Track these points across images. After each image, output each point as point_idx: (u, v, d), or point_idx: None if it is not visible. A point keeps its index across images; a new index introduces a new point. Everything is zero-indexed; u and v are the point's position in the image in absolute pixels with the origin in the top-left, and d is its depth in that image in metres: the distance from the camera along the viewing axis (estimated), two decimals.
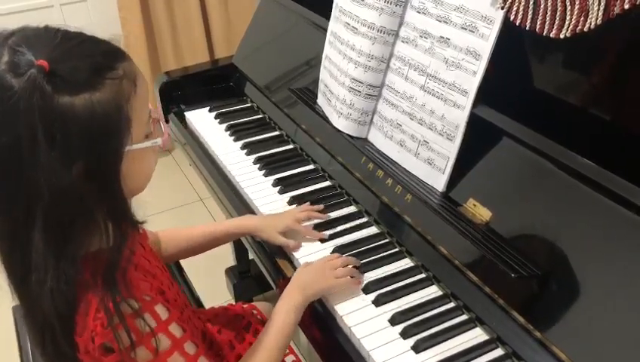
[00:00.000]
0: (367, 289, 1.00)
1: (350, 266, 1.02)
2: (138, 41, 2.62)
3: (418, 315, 0.95)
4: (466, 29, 0.99)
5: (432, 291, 1.00)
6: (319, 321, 0.98)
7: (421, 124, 1.08)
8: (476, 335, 0.91)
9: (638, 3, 0.74)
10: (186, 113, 1.60)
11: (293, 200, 1.23)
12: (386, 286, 1.00)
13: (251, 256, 1.64)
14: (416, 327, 0.92)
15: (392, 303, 0.97)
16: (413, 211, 1.05)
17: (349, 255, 1.07)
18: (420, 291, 1.00)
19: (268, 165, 1.35)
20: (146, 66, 2.67)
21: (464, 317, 0.94)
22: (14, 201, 0.68)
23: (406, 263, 1.06)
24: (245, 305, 1.26)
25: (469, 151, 1.01)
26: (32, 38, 0.67)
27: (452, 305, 0.97)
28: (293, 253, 1.10)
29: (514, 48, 1.00)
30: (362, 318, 0.95)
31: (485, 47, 0.96)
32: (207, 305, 1.29)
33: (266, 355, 0.89)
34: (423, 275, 1.02)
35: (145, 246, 0.86)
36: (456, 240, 0.95)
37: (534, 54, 1.03)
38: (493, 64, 0.96)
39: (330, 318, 0.98)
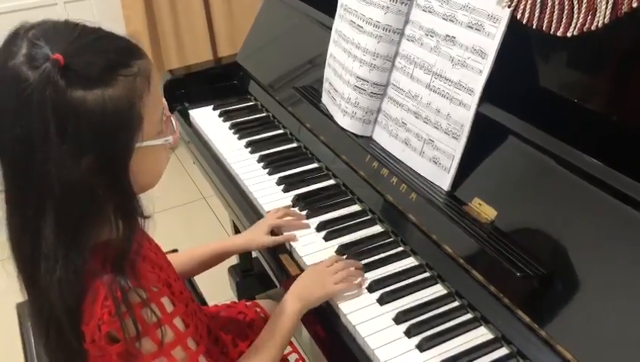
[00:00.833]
0: (371, 288, 1.00)
1: (351, 268, 1.01)
2: (141, 39, 2.59)
3: (422, 314, 0.95)
4: (472, 28, 0.98)
5: (437, 290, 0.99)
6: (323, 319, 0.98)
7: (426, 123, 1.08)
8: (481, 334, 0.91)
9: None
10: (190, 111, 1.60)
11: (297, 199, 1.23)
12: (391, 285, 1.00)
13: (254, 254, 1.65)
14: (421, 326, 0.92)
15: (396, 302, 0.97)
16: (418, 210, 1.05)
17: (354, 254, 1.07)
18: (425, 290, 0.99)
19: (272, 163, 1.35)
20: None
21: (469, 316, 0.94)
22: (25, 193, 0.69)
23: (410, 262, 1.05)
24: (248, 303, 1.26)
25: (475, 150, 1.01)
26: (50, 31, 0.68)
27: (457, 303, 0.96)
28: (293, 246, 1.10)
29: (520, 47, 1.00)
30: (366, 317, 0.95)
31: (491, 45, 0.95)
32: (210, 303, 1.29)
33: (261, 359, 0.90)
34: (427, 274, 1.02)
35: (151, 241, 0.87)
36: (461, 239, 0.95)
37: (541, 53, 1.03)
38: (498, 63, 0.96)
39: (334, 316, 0.97)
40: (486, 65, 0.97)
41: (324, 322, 0.97)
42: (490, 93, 0.98)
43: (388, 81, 1.17)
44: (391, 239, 1.11)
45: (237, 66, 1.69)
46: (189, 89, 1.66)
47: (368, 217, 1.17)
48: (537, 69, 1.04)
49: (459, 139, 1.02)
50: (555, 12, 0.84)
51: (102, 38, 0.71)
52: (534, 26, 0.88)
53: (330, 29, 1.31)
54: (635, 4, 0.74)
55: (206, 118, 1.57)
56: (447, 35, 1.03)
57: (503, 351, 0.88)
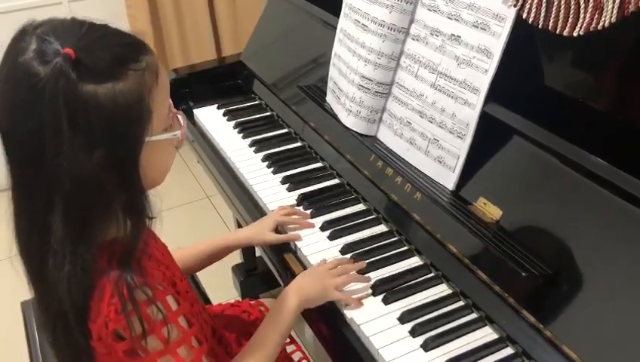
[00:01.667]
0: (376, 288, 1.00)
1: (352, 273, 1.00)
2: (145, 38, 2.61)
3: (427, 314, 0.94)
4: (477, 27, 0.98)
5: (442, 289, 0.99)
6: (327, 318, 0.98)
7: (431, 122, 1.08)
8: (486, 334, 0.91)
9: None
10: (194, 110, 1.60)
11: (301, 198, 1.23)
12: (395, 285, 1.00)
13: (258, 253, 1.65)
14: (426, 326, 0.92)
15: (401, 301, 0.97)
16: (423, 209, 1.04)
17: (358, 253, 1.07)
18: (429, 289, 0.99)
19: (276, 162, 1.35)
20: None
21: (474, 315, 0.94)
22: (36, 186, 0.70)
23: (415, 261, 1.05)
24: (252, 302, 1.26)
25: (480, 150, 1.01)
26: (59, 28, 0.69)
27: (461, 303, 0.96)
28: (298, 245, 1.10)
29: (526, 46, 1.00)
30: (371, 316, 0.95)
31: (497, 45, 0.95)
32: (214, 302, 1.30)
33: (259, 355, 0.90)
34: (432, 274, 1.02)
35: (157, 240, 0.87)
36: (466, 239, 0.95)
37: (546, 52, 1.02)
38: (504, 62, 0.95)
39: (338, 315, 0.97)
40: (491, 65, 0.96)
41: (328, 321, 0.97)
42: (496, 92, 0.98)
43: (393, 80, 1.17)
44: (395, 238, 1.11)
45: (241, 65, 1.69)
46: (193, 88, 1.66)
47: (373, 216, 1.17)
48: (543, 69, 1.03)
49: (464, 138, 1.02)
50: (562, 11, 0.84)
51: (109, 35, 0.72)
52: (540, 26, 0.88)
53: (335, 28, 1.31)
54: None
55: (210, 117, 1.57)
56: (453, 34, 1.03)
57: (507, 351, 0.88)
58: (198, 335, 0.82)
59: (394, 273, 1.02)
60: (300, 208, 1.20)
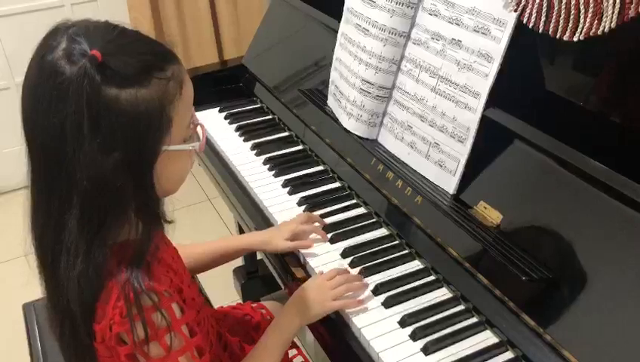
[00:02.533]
0: (376, 291, 1.00)
1: (352, 283, 0.99)
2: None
3: (428, 317, 0.94)
4: (478, 32, 0.98)
5: (442, 293, 0.99)
6: (328, 322, 0.98)
7: (432, 126, 1.08)
8: (486, 338, 0.91)
9: None
10: (195, 113, 1.60)
11: (303, 201, 1.23)
12: (396, 288, 1.00)
13: (259, 256, 1.65)
14: (426, 329, 0.92)
15: (401, 305, 0.97)
16: (424, 213, 1.05)
17: (358, 256, 1.07)
18: (430, 293, 0.99)
19: (277, 166, 1.35)
20: None
21: (474, 319, 0.94)
22: (53, 185, 0.71)
23: (416, 265, 1.05)
24: (254, 305, 1.26)
25: (480, 154, 1.01)
26: (90, 29, 0.70)
27: (462, 307, 0.96)
28: (301, 252, 1.10)
29: (527, 51, 1.00)
30: (371, 320, 0.95)
31: (497, 49, 0.96)
32: (216, 305, 1.30)
33: None
34: (432, 277, 1.02)
35: (169, 244, 0.87)
36: (466, 243, 0.95)
37: (547, 57, 1.03)
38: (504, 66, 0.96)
39: (339, 319, 0.97)
40: (492, 69, 0.97)
41: (329, 325, 0.97)
42: (496, 96, 0.98)
43: (393, 84, 1.18)
44: (396, 242, 1.11)
45: (243, 69, 1.69)
46: (194, 91, 1.66)
47: (373, 220, 1.17)
48: (543, 73, 1.04)
49: (464, 142, 1.02)
50: (562, 16, 0.84)
51: (139, 41, 0.73)
52: (540, 30, 0.88)
53: (336, 32, 1.31)
54: None
55: (212, 121, 1.57)
56: (453, 39, 1.03)
57: (508, 355, 0.88)
58: (201, 345, 0.82)
59: (394, 276, 1.03)
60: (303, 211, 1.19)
